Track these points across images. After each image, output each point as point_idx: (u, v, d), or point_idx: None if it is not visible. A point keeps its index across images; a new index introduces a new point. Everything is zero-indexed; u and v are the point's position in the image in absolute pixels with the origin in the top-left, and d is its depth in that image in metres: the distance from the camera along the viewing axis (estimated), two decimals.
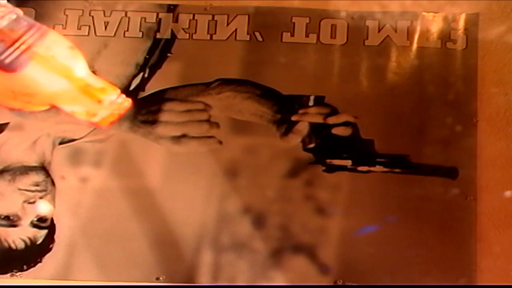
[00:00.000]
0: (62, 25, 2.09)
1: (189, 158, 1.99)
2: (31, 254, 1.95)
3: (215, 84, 2.04)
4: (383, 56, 2.03)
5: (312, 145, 1.98)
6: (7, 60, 0.89)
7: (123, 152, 2.00)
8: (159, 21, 2.09)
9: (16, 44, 0.90)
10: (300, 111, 2.00)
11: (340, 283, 1.90)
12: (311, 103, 2.01)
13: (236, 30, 2.07)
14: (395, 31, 2.04)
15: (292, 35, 2.06)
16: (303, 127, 1.99)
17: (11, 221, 1.96)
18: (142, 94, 2.04)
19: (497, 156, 1.95)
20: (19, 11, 0.92)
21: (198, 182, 1.97)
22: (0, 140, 2.02)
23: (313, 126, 1.99)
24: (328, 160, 1.97)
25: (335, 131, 1.99)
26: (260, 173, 1.97)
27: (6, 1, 0.92)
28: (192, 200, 1.96)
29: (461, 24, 2.03)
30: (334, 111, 2.00)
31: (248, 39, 2.07)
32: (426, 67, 2.02)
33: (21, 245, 1.95)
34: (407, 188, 1.94)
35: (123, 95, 0.98)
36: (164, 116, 2.01)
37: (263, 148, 1.99)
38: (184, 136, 2.00)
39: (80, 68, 0.96)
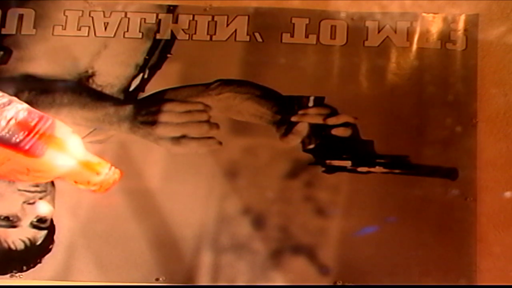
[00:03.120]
0: (62, 25, 2.09)
1: (189, 159, 1.99)
2: (31, 255, 1.95)
3: (215, 85, 2.04)
4: (383, 57, 2.03)
5: (311, 146, 1.98)
6: (27, 146, 1.11)
7: (123, 153, 2.00)
8: (158, 22, 2.09)
9: (33, 133, 1.12)
10: (300, 112, 2.00)
11: (340, 283, 1.90)
12: (311, 104, 2.01)
13: (236, 30, 2.07)
14: (395, 32, 2.04)
15: (292, 36, 2.06)
16: (303, 128, 1.99)
17: (10, 222, 1.96)
18: (142, 95, 2.04)
19: (497, 157, 1.96)
20: (19, 102, 1.13)
21: (198, 183, 1.97)
22: None
23: (313, 127, 1.99)
24: (328, 161, 1.97)
25: (335, 132, 1.99)
26: (260, 174, 1.97)
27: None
28: (192, 201, 1.96)
29: (460, 25, 2.03)
30: (334, 112, 2.00)
31: (248, 39, 2.07)
32: (426, 68, 2.02)
33: (20, 245, 1.95)
34: (407, 189, 1.94)
35: (113, 167, 1.25)
36: (164, 117, 2.01)
37: (263, 149, 1.99)
38: (184, 137, 2.00)
39: (82, 148, 1.21)
